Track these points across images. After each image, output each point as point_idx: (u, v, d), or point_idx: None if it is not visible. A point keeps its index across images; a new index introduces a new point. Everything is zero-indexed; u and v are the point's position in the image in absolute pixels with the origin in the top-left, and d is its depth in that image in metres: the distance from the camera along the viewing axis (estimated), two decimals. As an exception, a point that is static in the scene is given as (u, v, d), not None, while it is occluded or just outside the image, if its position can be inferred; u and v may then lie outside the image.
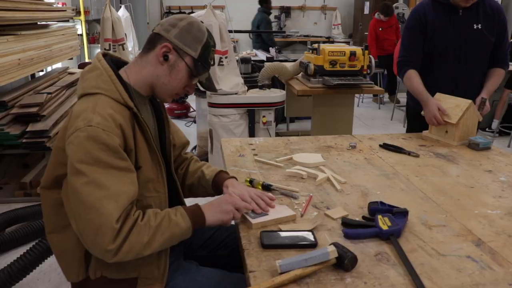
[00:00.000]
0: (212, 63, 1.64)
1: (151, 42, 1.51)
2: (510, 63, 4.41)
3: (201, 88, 1.70)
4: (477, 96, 2.55)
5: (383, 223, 1.41)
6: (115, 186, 1.30)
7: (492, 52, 2.67)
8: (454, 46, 2.62)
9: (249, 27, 9.58)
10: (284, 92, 4.36)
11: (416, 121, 2.71)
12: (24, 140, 3.67)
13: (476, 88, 2.64)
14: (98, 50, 7.25)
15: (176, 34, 1.48)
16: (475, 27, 2.59)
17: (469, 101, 2.36)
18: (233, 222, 1.56)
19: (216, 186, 1.71)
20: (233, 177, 1.72)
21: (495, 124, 6.20)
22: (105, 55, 1.51)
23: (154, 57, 1.49)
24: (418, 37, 2.69)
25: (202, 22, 1.56)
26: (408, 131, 3.00)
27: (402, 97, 5.62)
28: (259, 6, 8.51)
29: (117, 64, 1.53)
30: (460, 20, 2.60)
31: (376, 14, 7.94)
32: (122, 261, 1.33)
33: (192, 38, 1.49)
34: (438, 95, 2.50)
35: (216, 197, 1.59)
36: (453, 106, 2.40)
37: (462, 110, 2.34)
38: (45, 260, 2.58)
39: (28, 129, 3.72)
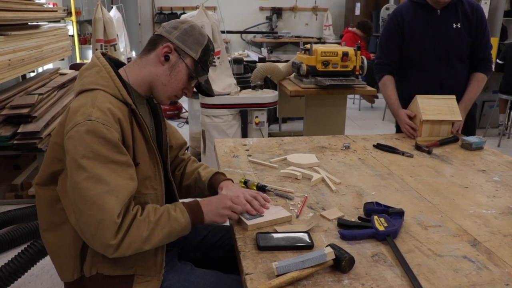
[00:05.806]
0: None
1: (153, 43, 1.52)
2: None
3: (200, 94, 1.70)
4: (463, 95, 2.61)
5: (379, 223, 1.41)
6: (115, 181, 1.30)
7: (473, 52, 2.66)
8: (434, 46, 2.63)
9: (241, 28, 9.57)
10: (276, 92, 4.35)
11: None
12: (15, 142, 3.63)
13: (461, 87, 2.66)
14: (90, 51, 7.23)
15: (178, 36, 1.50)
16: (454, 26, 2.59)
17: (453, 97, 2.46)
18: (227, 223, 1.55)
19: (211, 188, 1.70)
20: (228, 179, 1.71)
21: (502, 117, 6.21)
22: (103, 54, 1.51)
23: (155, 57, 1.50)
24: (395, 39, 2.73)
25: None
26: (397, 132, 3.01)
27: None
28: None
29: (115, 64, 1.52)
30: (437, 19, 2.61)
31: None
32: (123, 256, 1.33)
33: (193, 40, 1.51)
34: (419, 96, 2.47)
35: (216, 196, 1.58)
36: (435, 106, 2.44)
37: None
38: (37, 263, 2.56)
39: (19, 131, 3.68)
